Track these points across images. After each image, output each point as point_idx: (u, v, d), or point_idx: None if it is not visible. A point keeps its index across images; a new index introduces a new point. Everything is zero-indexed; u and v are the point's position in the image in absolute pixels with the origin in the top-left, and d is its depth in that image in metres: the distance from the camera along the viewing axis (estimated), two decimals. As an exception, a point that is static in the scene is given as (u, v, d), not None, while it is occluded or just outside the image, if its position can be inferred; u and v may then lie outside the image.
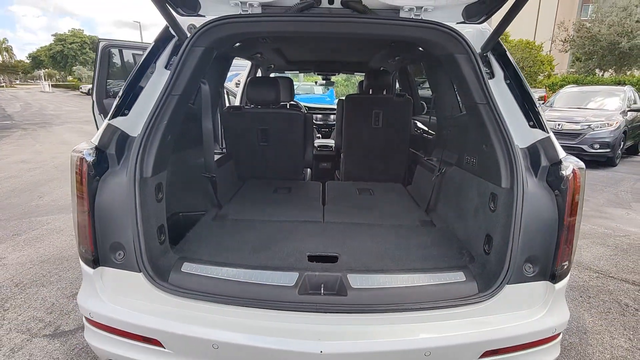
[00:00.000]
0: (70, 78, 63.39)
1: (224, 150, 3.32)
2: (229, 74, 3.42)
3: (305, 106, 5.83)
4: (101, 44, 4.08)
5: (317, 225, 2.22)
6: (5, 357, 2.18)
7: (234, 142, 3.25)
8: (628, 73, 20.33)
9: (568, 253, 1.45)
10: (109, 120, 1.57)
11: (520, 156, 1.49)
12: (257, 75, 4.53)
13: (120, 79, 4.34)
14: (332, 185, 3.10)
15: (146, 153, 1.53)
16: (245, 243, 1.90)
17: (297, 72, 7.38)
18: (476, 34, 1.73)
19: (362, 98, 3.58)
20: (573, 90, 10.34)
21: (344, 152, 3.50)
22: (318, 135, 5.43)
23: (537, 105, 1.61)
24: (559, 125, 8.29)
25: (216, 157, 2.73)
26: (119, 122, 1.56)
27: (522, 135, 1.56)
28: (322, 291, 1.45)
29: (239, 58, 3.62)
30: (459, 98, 2.50)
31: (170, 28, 1.68)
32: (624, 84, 13.31)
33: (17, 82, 77.43)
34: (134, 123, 1.57)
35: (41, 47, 62.34)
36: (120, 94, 1.62)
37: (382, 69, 4.16)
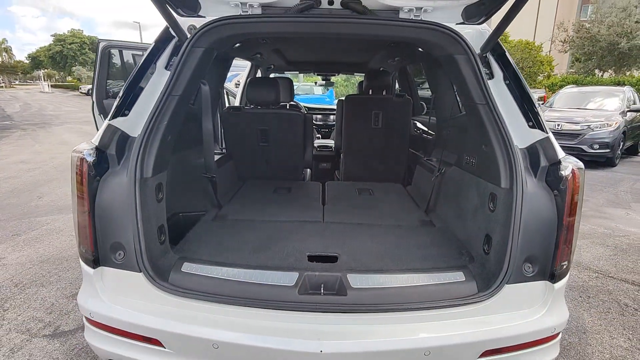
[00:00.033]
0: (69, 78, 63.39)
1: (224, 150, 3.32)
2: (229, 74, 3.42)
3: (304, 106, 5.83)
4: (101, 45, 4.08)
5: (317, 225, 2.22)
6: (5, 358, 2.18)
7: (233, 143, 3.25)
8: (627, 73, 20.35)
9: (567, 253, 1.45)
10: (109, 120, 1.57)
11: (519, 156, 1.50)
12: (256, 76, 4.54)
13: (120, 79, 4.35)
14: (331, 186, 3.10)
15: (146, 153, 1.53)
16: (245, 243, 1.90)
17: (297, 72, 7.40)
18: (475, 34, 1.74)
19: (361, 98, 3.58)
20: (572, 90, 10.35)
21: (343, 152, 3.51)
22: (318, 135, 5.44)
23: (536, 105, 1.62)
24: (558, 125, 8.30)
25: (216, 157, 2.74)
26: (120, 122, 1.57)
27: (521, 135, 1.57)
28: (322, 291, 1.45)
29: (238, 58, 3.63)
30: (458, 98, 2.51)
31: (170, 29, 1.68)
32: (624, 84, 13.32)
33: (17, 82, 77.43)
34: (134, 123, 1.58)
35: (40, 48, 62.38)
36: (120, 94, 1.62)
37: (381, 69, 4.17)
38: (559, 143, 1.55)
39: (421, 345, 1.36)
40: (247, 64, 4.45)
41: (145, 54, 1.70)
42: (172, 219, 1.86)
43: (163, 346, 1.42)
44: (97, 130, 1.63)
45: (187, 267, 1.55)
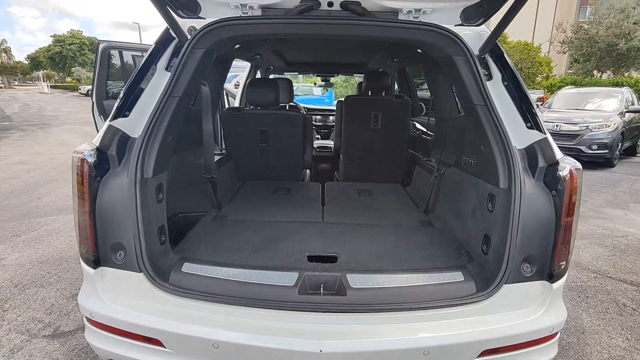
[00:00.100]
0: (69, 79, 63.31)
1: (224, 151, 3.33)
2: (228, 75, 3.43)
3: (304, 107, 5.84)
4: (101, 46, 4.09)
5: (316, 225, 2.23)
6: (5, 358, 2.18)
7: (233, 143, 3.26)
8: (626, 74, 20.39)
9: (565, 253, 1.46)
10: (109, 121, 1.57)
11: (517, 157, 1.51)
12: (256, 77, 4.55)
13: (119, 80, 4.35)
14: (331, 186, 3.11)
15: (147, 154, 1.54)
16: (245, 243, 1.91)
17: (297, 73, 7.41)
18: (474, 36, 1.75)
19: (361, 99, 3.59)
20: (571, 91, 10.38)
21: (343, 153, 3.52)
22: (317, 136, 5.45)
23: (535, 106, 1.63)
24: (557, 126, 8.33)
25: (216, 158, 2.74)
26: (120, 123, 1.57)
27: (519, 136, 1.58)
28: (321, 291, 1.46)
29: (238, 59, 3.63)
30: (457, 99, 2.52)
31: (170, 30, 1.69)
32: (622, 85, 13.37)
33: (16, 83, 77.34)
34: (134, 124, 1.58)
35: (40, 48, 62.31)
36: (121, 95, 1.63)
37: (381, 70, 4.18)
38: (557, 144, 1.57)
39: (420, 344, 1.37)
40: (247, 65, 4.46)
41: (146, 55, 1.71)
42: (172, 219, 1.87)
43: (163, 346, 1.43)
44: (97, 131, 1.64)
45: (188, 267, 1.55)
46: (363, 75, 4.16)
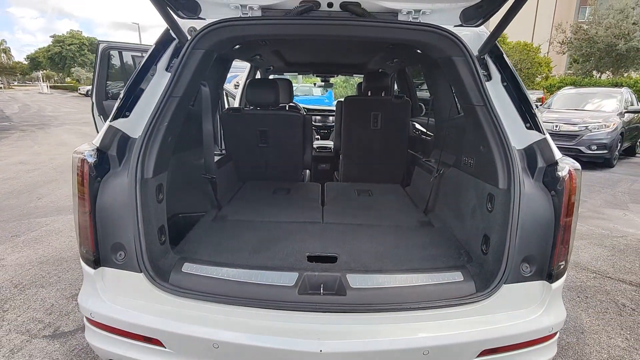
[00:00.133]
0: (68, 79, 63.27)
1: (224, 151, 3.33)
2: (228, 75, 3.44)
3: (304, 108, 5.85)
4: (101, 46, 4.09)
5: (316, 226, 2.23)
6: (5, 358, 2.18)
7: (233, 144, 3.26)
8: (625, 75, 20.43)
9: (564, 253, 1.46)
10: (110, 121, 1.58)
11: (517, 157, 1.51)
12: (256, 77, 4.55)
13: (119, 80, 4.36)
14: (331, 187, 3.12)
15: (147, 154, 1.54)
16: (245, 243, 1.91)
17: (296, 74, 7.41)
18: (473, 36, 1.75)
19: (360, 100, 3.60)
20: (570, 92, 10.40)
21: (342, 153, 3.52)
22: (317, 136, 5.45)
23: (534, 107, 1.63)
24: (556, 126, 8.34)
25: (216, 158, 2.75)
26: (120, 123, 1.58)
27: (518, 136, 1.58)
28: (321, 291, 1.46)
29: (238, 60, 3.64)
30: (456, 100, 2.53)
31: (170, 31, 1.69)
32: (621, 85, 13.38)
33: (15, 83, 77.23)
34: (135, 125, 1.59)
35: (39, 49, 62.24)
36: (121, 96, 1.63)
37: (380, 71, 4.19)
38: (557, 144, 1.57)
39: (420, 344, 1.37)
40: (247, 65, 4.47)
41: (146, 55, 1.71)
42: (172, 220, 1.87)
43: (163, 346, 1.43)
44: (97, 131, 1.65)
45: (188, 267, 1.56)
46: (363, 75, 4.17)
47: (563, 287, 1.54)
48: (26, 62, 69.05)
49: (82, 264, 1.54)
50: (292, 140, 3.23)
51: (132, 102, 1.62)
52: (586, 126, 8.11)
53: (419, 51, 2.28)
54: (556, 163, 1.47)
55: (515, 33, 22.21)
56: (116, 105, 1.61)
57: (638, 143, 10.17)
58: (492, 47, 1.69)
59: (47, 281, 3.04)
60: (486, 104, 1.61)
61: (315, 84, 10.12)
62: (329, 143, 4.64)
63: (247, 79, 4.38)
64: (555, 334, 1.52)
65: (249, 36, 1.78)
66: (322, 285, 1.47)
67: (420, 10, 1.75)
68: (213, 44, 1.68)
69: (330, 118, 5.68)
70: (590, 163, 8.12)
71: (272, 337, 1.37)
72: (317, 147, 4.47)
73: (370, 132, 3.33)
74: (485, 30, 1.78)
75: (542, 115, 8.47)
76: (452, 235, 2.08)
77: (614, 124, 8.09)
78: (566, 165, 1.45)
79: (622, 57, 19.12)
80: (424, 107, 4.25)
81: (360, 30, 1.72)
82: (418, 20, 1.76)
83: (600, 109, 8.87)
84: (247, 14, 1.75)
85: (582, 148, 8.03)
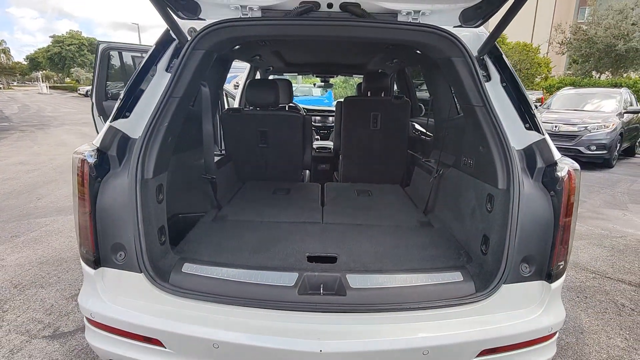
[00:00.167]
0: (68, 80, 63.24)
1: (223, 152, 3.33)
2: (228, 75, 3.44)
3: (303, 108, 5.85)
4: (101, 47, 4.09)
5: (316, 226, 2.24)
6: (5, 359, 2.18)
7: (233, 144, 3.26)
8: (624, 75, 20.46)
9: (564, 253, 1.47)
10: (110, 122, 1.58)
11: (516, 158, 1.52)
12: (255, 78, 4.55)
13: (119, 81, 4.36)
14: (330, 187, 3.12)
15: (147, 155, 1.54)
16: (245, 244, 1.91)
17: (296, 74, 7.41)
18: (473, 37, 1.76)
19: (360, 100, 3.60)
20: (570, 92, 10.41)
21: (342, 153, 3.52)
22: (317, 137, 5.45)
23: (533, 107, 1.64)
24: (556, 127, 8.35)
25: (216, 158, 2.75)
26: (121, 124, 1.58)
27: (518, 137, 1.59)
28: (321, 291, 1.46)
29: (238, 60, 3.64)
30: (456, 100, 2.53)
31: (171, 31, 1.69)
32: (621, 86, 13.40)
33: (15, 83, 77.19)
34: (135, 125, 1.59)
35: (39, 49, 62.23)
36: (121, 96, 1.63)
37: (380, 71, 4.19)
38: (556, 144, 1.57)
39: (420, 344, 1.38)
40: (246, 66, 4.47)
41: (146, 56, 1.71)
42: (172, 220, 1.87)
43: (163, 346, 1.43)
44: (97, 131, 1.65)
45: (188, 267, 1.56)
46: (362, 76, 4.17)
47: (562, 287, 1.55)
48: (25, 63, 68.99)
49: (82, 264, 1.54)
50: (291, 140, 3.23)
51: (132, 103, 1.62)
52: (585, 126, 8.12)
53: (418, 52, 2.28)
54: (555, 163, 1.47)
55: (514, 33, 22.25)
56: (116, 105, 1.61)
57: (637, 143, 10.18)
58: (491, 47, 1.69)
59: (46, 281, 3.03)
60: (485, 105, 1.61)
61: (314, 85, 10.12)
62: (329, 143, 4.65)
63: (246, 80, 4.39)
64: (554, 334, 1.52)
65: (248, 37, 1.78)
66: (322, 286, 1.48)
67: (419, 11, 1.75)
68: (213, 44, 1.69)
69: (330, 118, 5.69)
70: (589, 163, 8.13)
71: (272, 337, 1.37)
72: (317, 148, 4.47)
73: (370, 132, 3.33)
74: (484, 31, 1.78)
75: (541, 116, 8.48)
76: (452, 235, 2.08)
77: (613, 125, 8.10)
78: (565, 166, 1.45)
79: (622, 58, 19.15)
80: (423, 107, 4.26)
81: (359, 31, 1.72)
82: (417, 21, 1.76)
83: (599, 110, 8.88)
84: (247, 14, 1.75)
85: (582, 148, 8.04)
